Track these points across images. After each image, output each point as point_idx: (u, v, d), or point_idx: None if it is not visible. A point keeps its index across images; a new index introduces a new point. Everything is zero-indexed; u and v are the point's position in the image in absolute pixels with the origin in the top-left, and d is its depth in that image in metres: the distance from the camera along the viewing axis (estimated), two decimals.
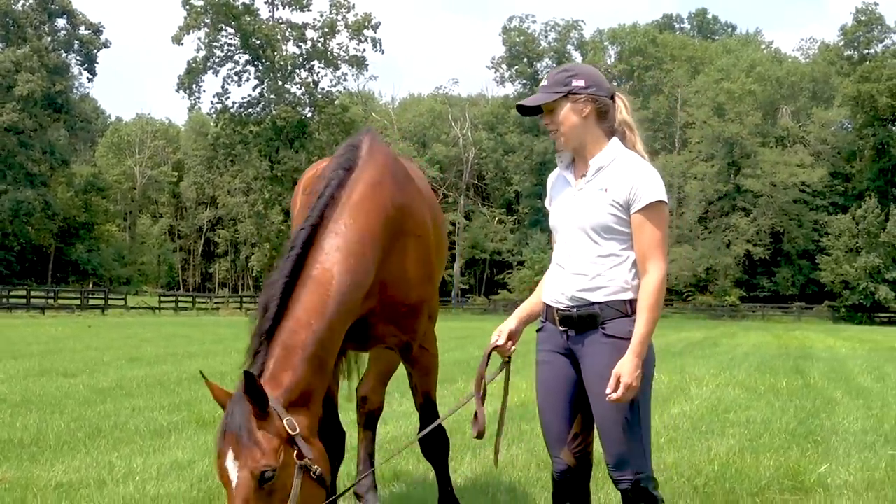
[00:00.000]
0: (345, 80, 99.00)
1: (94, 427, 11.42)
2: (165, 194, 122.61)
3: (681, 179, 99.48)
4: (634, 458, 4.65)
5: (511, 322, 4.98)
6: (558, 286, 4.77)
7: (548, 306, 4.84)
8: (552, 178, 5.05)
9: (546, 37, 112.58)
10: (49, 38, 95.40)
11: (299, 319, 4.86)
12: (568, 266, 4.73)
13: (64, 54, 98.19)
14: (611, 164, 4.68)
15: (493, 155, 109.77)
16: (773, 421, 12.72)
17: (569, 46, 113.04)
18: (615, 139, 4.77)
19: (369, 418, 7.64)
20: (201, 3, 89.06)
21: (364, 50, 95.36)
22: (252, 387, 4.41)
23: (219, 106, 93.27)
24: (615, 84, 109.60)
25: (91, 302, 67.13)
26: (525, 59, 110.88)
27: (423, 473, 8.59)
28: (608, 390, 4.47)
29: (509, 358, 5.03)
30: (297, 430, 4.57)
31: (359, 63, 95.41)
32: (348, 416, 7.86)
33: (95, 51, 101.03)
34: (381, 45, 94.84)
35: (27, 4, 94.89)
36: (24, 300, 62.29)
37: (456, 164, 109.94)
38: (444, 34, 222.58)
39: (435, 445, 6.10)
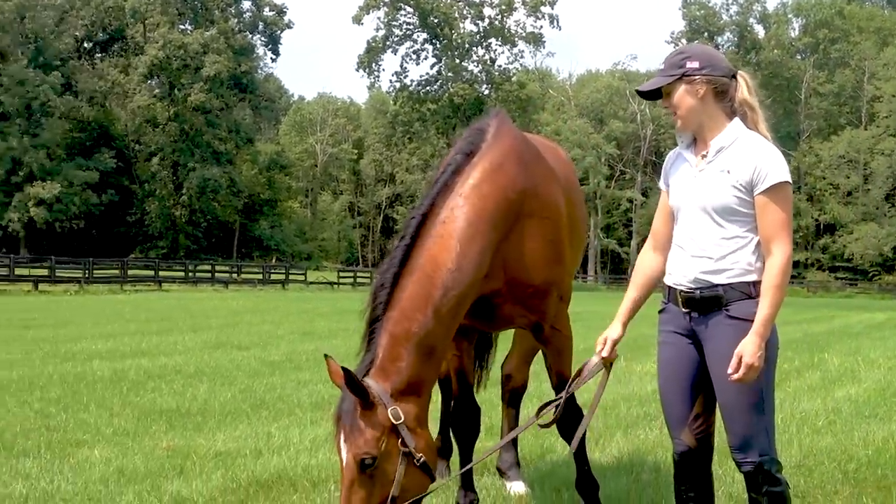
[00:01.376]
0: (522, 57, 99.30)
1: (258, 398, 11.84)
2: (346, 171, 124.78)
3: (867, 155, 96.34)
4: (758, 440, 4.60)
5: (616, 330, 5.01)
6: (681, 268, 4.74)
7: (670, 288, 4.81)
8: (671, 157, 5.01)
9: (727, 10, 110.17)
10: (235, 20, 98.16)
11: (404, 309, 4.97)
12: (690, 248, 4.70)
13: (249, 35, 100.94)
14: (732, 144, 4.63)
15: (672, 131, 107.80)
16: None
17: (751, 20, 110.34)
18: (736, 119, 4.70)
19: (513, 395, 7.73)
20: None
21: (541, 27, 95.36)
22: (352, 383, 4.61)
23: (397, 84, 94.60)
24: (799, 57, 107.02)
25: (272, 277, 68.89)
26: (705, 34, 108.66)
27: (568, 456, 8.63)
28: (730, 370, 4.44)
29: (611, 364, 5.09)
30: (402, 420, 4.73)
31: (536, 40, 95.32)
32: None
33: (279, 31, 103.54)
34: (558, 22, 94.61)
35: None
36: (209, 274, 64.37)
37: (633, 141, 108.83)
38: (623, 9, 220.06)
39: (569, 424, 6.09)
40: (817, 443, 9.35)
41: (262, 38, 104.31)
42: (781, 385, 14.20)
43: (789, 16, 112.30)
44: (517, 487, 7.37)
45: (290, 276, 69.57)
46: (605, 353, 4.97)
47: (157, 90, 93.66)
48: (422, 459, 4.81)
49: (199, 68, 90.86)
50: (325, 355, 5.00)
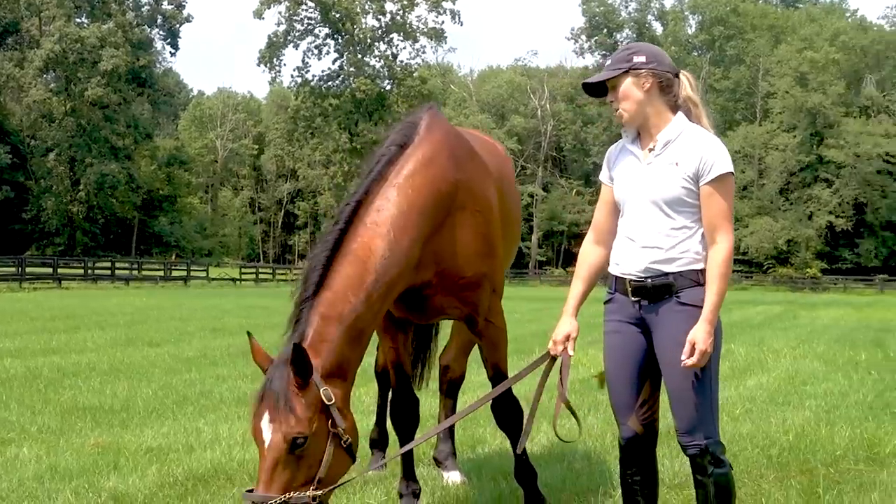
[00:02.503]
0: (423, 52, 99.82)
1: (180, 395, 11.77)
2: (246, 167, 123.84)
3: (762, 150, 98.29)
4: (704, 423, 4.73)
5: (570, 324, 5.07)
6: (630, 258, 4.83)
7: (618, 278, 4.90)
8: (614, 151, 5.12)
9: (626, 7, 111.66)
10: (133, 14, 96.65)
11: (337, 291, 5.00)
12: (640, 239, 4.80)
13: (147, 29, 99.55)
14: (678, 137, 4.77)
15: (572, 126, 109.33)
16: (850, 393, 12.71)
17: (649, 16, 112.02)
18: (680, 114, 4.85)
19: (451, 386, 7.82)
20: None
21: (443, 22, 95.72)
22: (300, 359, 4.59)
23: (299, 79, 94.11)
24: (696, 54, 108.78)
25: (174, 273, 68.13)
26: (605, 30, 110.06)
27: (501, 442, 8.76)
28: (683, 356, 4.58)
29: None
30: (333, 401, 4.74)
31: (437, 35, 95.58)
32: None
33: (178, 25, 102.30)
34: (459, 17, 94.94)
35: None
36: (108, 271, 63.26)
37: (534, 136, 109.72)
38: (523, 5, 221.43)
39: (508, 415, 6.18)
40: (738, 429, 9.61)
41: (161, 32, 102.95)
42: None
43: (686, 13, 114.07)
44: (454, 477, 7.47)
45: (192, 273, 68.86)
46: (571, 352, 5.06)
47: (53, 84, 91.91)
48: (348, 441, 4.83)
49: (96, 62, 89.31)
50: (248, 333, 5.02)
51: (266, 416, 4.64)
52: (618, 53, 4.90)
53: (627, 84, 4.79)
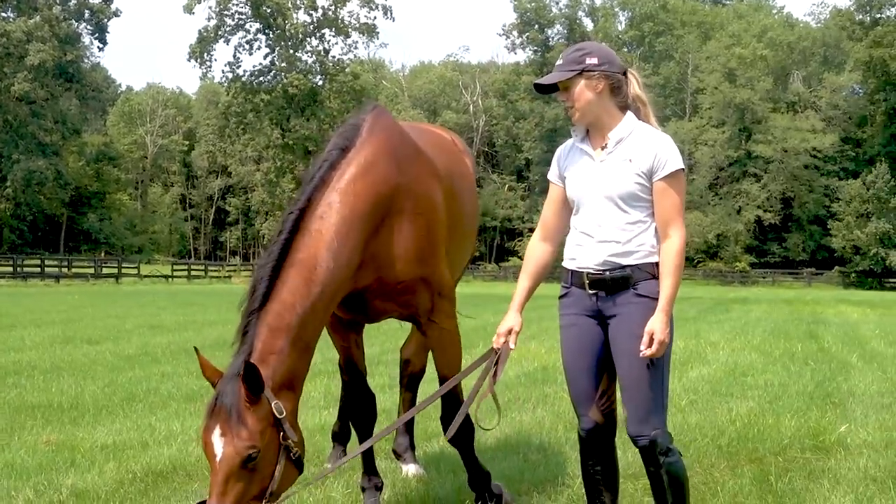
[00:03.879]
0: (355, 47, 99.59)
1: (127, 392, 11.70)
2: (177, 163, 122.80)
3: (692, 146, 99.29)
4: (655, 414, 4.86)
5: (517, 319, 5.16)
6: (587, 253, 4.94)
7: (574, 272, 5.01)
8: (564, 150, 5.23)
9: (557, 3, 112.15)
10: (60, 8, 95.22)
11: (284, 301, 5.01)
12: (597, 233, 4.91)
13: (75, 24, 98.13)
14: (629, 135, 4.91)
15: (504, 122, 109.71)
16: (791, 384, 12.94)
17: (580, 13, 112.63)
18: (629, 113, 5.00)
19: (411, 380, 7.86)
20: None
21: (375, 17, 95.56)
22: (252, 375, 4.58)
23: (230, 75, 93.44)
24: (626, 50, 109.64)
25: (104, 271, 67.46)
26: (536, 26, 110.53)
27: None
28: (642, 347, 4.69)
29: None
30: (284, 414, 4.76)
31: (369, 31, 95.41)
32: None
33: (106, 20, 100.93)
34: (391, 13, 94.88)
35: None
36: (38, 269, 62.53)
37: (466, 132, 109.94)
38: (455, 1, 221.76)
39: (458, 431, 6.00)
40: (687, 420, 9.78)
41: (89, 27, 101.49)
42: None
43: (616, 9, 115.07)
44: (412, 470, 7.52)
45: (123, 270, 68.19)
46: (512, 345, 5.13)
47: None
48: (297, 454, 4.86)
49: (22, 57, 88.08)
50: (195, 348, 5.02)
51: (217, 431, 4.63)
52: (570, 54, 4.99)
53: (580, 86, 4.90)
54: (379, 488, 6.49)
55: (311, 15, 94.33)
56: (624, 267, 4.85)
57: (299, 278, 5.07)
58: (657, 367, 4.81)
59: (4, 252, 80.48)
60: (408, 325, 7.81)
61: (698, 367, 14.99)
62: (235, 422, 4.62)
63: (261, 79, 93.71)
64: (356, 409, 6.34)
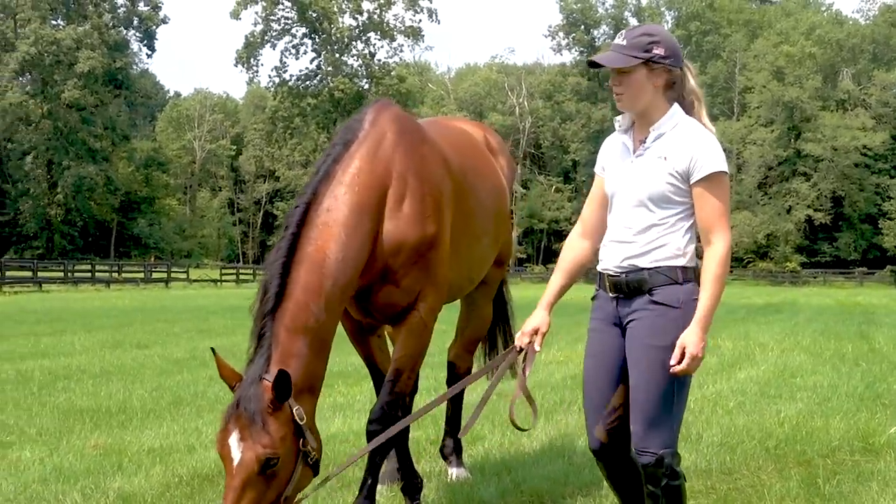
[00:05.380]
0: (401, 51, 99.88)
1: (175, 396, 11.77)
2: (224, 168, 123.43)
3: (740, 145, 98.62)
4: (663, 431, 4.50)
5: (542, 317, 4.85)
6: (611, 253, 4.66)
7: (601, 274, 4.72)
8: (608, 143, 4.90)
9: (603, 3, 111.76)
10: (109, 15, 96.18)
11: (299, 301, 4.94)
12: (619, 234, 4.63)
13: (123, 31, 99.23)
14: (671, 131, 4.56)
15: (550, 124, 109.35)
16: (840, 385, 12.80)
17: (626, 13, 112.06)
18: (676, 106, 4.62)
19: (457, 381, 7.75)
20: None
21: (420, 20, 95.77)
22: (283, 383, 4.54)
23: (276, 79, 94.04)
24: None
25: (154, 275, 67.92)
26: (582, 27, 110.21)
27: (499, 439, 8.83)
28: (672, 361, 4.34)
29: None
30: (305, 420, 4.73)
31: (415, 34, 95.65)
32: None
33: (154, 27, 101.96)
34: (436, 16, 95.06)
35: None
36: (88, 274, 62.99)
37: (512, 134, 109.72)
38: (500, 3, 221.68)
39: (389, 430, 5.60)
40: (734, 422, 9.71)
41: (138, 34, 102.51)
42: None
43: (662, 9, 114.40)
44: (459, 473, 7.51)
45: (172, 275, 68.64)
46: (538, 347, 4.83)
47: (29, 87, 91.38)
48: (315, 458, 4.82)
49: (72, 64, 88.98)
50: (212, 349, 4.95)
51: (236, 435, 4.59)
52: (636, 37, 4.57)
53: (640, 75, 4.54)
54: (419, 488, 6.46)
55: (356, 19, 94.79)
56: (641, 269, 4.53)
57: (311, 275, 5.02)
58: (671, 381, 4.44)
59: (56, 257, 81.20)
60: (453, 327, 7.82)
61: (747, 368, 14.87)
62: (258, 428, 4.57)
63: (307, 83, 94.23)
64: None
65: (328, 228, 5.17)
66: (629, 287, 4.57)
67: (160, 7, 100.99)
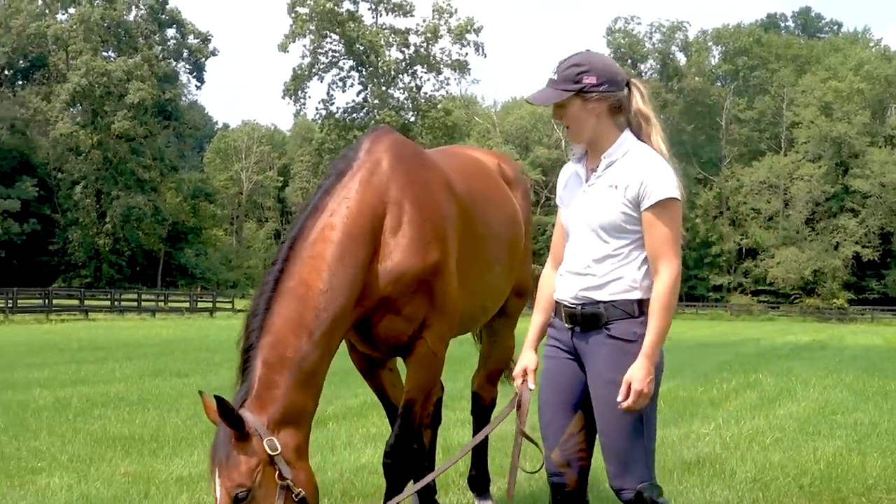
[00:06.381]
0: (447, 84, 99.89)
1: (208, 424, 11.62)
2: (271, 199, 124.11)
3: (787, 181, 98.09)
4: (636, 465, 4.43)
5: (532, 358, 4.78)
6: (567, 284, 4.58)
7: (557, 303, 4.66)
8: (563, 173, 4.84)
9: (651, 38, 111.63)
10: (159, 48, 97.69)
11: (278, 334, 4.89)
12: (576, 264, 4.55)
13: (173, 63, 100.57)
14: (622, 158, 4.48)
15: None
16: (881, 423, 12.63)
17: (673, 48, 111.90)
18: (627, 132, 4.55)
19: (481, 412, 7.63)
20: (306, 10, 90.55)
21: (466, 54, 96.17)
22: (226, 412, 4.49)
23: (323, 111, 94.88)
24: (719, 84, 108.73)
25: (199, 305, 68.27)
26: (629, 61, 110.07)
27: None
28: (619, 398, 4.29)
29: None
30: (278, 451, 4.62)
31: (461, 67, 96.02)
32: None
33: (203, 59, 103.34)
34: (483, 49, 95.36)
35: (139, 15, 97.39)
36: (135, 303, 63.48)
37: (557, 167, 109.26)
38: (547, 36, 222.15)
39: (405, 466, 5.72)
40: (769, 458, 9.58)
41: (187, 66, 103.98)
42: (723, 404, 14.50)
43: (709, 44, 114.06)
44: None
45: (217, 304, 68.98)
46: (532, 385, 4.73)
47: (79, 118, 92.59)
48: (301, 494, 4.69)
49: (122, 95, 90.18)
50: (200, 392, 4.90)
51: (215, 471, 4.61)
52: (565, 69, 4.50)
53: (576, 107, 4.46)
54: None
55: (403, 52, 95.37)
56: (597, 303, 4.44)
57: (291, 308, 4.96)
58: (637, 415, 4.38)
59: (103, 286, 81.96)
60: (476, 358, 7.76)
61: (787, 404, 14.70)
62: (225, 462, 4.57)
63: (354, 115, 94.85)
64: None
65: (313, 261, 5.10)
66: (584, 319, 4.50)
67: (209, 40, 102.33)
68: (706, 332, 47.65)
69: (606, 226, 4.45)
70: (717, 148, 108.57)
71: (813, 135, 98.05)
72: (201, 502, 7.43)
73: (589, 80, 4.43)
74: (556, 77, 4.52)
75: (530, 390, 4.74)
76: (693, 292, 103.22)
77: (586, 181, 4.59)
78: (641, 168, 4.42)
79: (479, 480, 7.57)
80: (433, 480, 6.71)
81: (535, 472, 5.12)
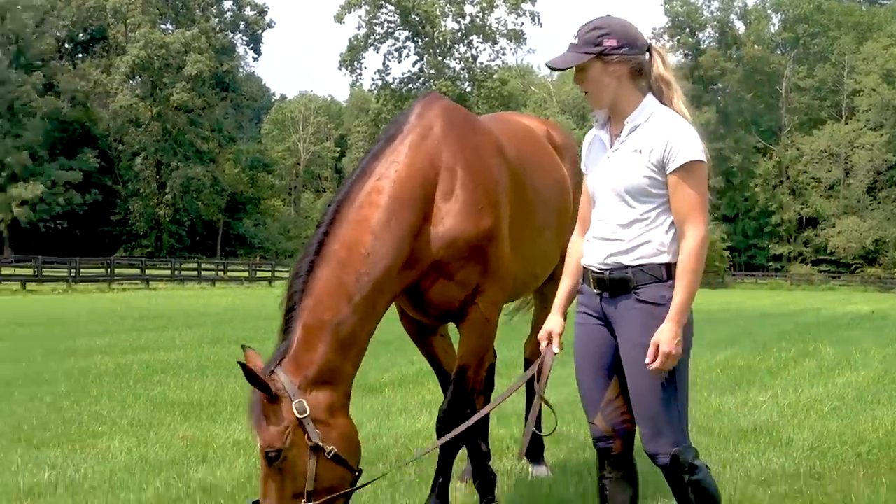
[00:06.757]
0: (503, 54, 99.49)
1: None
2: (328, 169, 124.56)
3: (848, 149, 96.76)
4: (669, 429, 4.40)
5: (558, 322, 4.78)
6: (595, 250, 4.57)
7: (584, 269, 4.66)
8: (588, 139, 4.80)
9: (709, 6, 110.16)
10: (216, 20, 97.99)
11: (318, 298, 4.92)
12: (603, 230, 4.54)
13: (230, 35, 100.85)
14: (645, 122, 4.45)
15: None
16: None
17: (732, 16, 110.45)
18: (650, 96, 4.52)
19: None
20: None
21: (522, 24, 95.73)
22: (250, 376, 4.61)
23: (380, 82, 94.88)
24: (779, 52, 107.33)
25: (258, 274, 68.75)
26: (687, 30, 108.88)
27: (584, 439, 8.75)
28: (647, 360, 4.28)
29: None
30: (307, 413, 4.68)
31: (517, 37, 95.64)
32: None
33: (260, 31, 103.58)
34: (539, 19, 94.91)
35: None
36: (195, 272, 64.10)
37: None
38: (604, 4, 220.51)
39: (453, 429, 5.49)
40: (826, 426, 9.52)
41: (244, 38, 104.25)
42: (781, 373, 14.41)
43: (769, 11, 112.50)
44: (539, 471, 7.46)
45: (276, 274, 69.42)
46: (556, 349, 4.72)
47: (139, 90, 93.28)
48: (333, 452, 4.74)
49: (181, 67, 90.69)
50: (243, 346, 4.98)
51: (253, 432, 4.77)
52: (586, 33, 4.47)
53: (596, 70, 4.43)
54: (493, 484, 6.36)
55: (458, 22, 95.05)
56: (625, 267, 4.44)
57: (332, 271, 4.98)
58: (669, 378, 4.37)
59: (164, 256, 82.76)
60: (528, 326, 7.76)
61: (846, 373, 14.58)
62: (257, 423, 4.72)
63: (410, 86, 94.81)
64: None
65: (357, 225, 5.11)
66: (613, 284, 4.49)
67: (266, 11, 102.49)
68: (766, 302, 47.31)
69: (632, 190, 4.43)
70: (776, 116, 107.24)
71: (874, 103, 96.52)
72: (258, 466, 7.48)
73: (609, 42, 4.40)
74: (576, 41, 4.48)
75: (554, 354, 4.74)
76: (752, 262, 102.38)
77: (610, 146, 4.57)
78: (666, 131, 4.39)
79: (532, 447, 7.59)
80: (487, 446, 6.75)
81: (549, 434, 5.11)
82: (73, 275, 51.66)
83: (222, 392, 11.60)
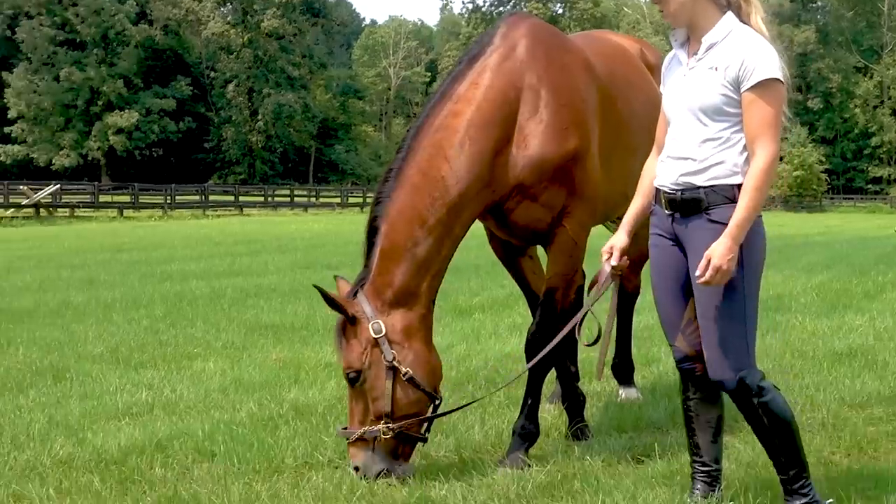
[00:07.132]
0: None
1: None
2: (419, 95, 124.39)
3: None
4: (733, 354, 4.36)
5: (622, 238, 4.76)
6: (667, 170, 4.54)
7: (657, 189, 4.62)
8: (668, 59, 4.75)
9: None
10: None
11: (394, 223, 5.02)
12: (676, 149, 4.50)
13: None
14: (722, 40, 4.38)
15: None
16: None
17: None
18: (729, 14, 4.43)
19: (626, 300, 7.45)
20: None
21: None
22: (328, 299, 4.84)
23: (470, 6, 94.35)
24: None
25: (350, 200, 69.22)
26: None
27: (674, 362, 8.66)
28: (697, 272, 4.26)
29: (621, 273, 4.86)
30: (382, 333, 4.80)
31: None
32: None
33: None
34: None
35: None
36: (288, 199, 64.93)
37: None
38: None
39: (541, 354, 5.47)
40: None
41: None
42: (878, 297, 14.14)
43: None
44: (629, 393, 7.43)
45: (368, 200, 69.69)
46: (614, 262, 4.75)
47: (230, 17, 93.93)
48: (409, 375, 4.83)
49: None
50: (335, 276, 5.30)
51: (338, 354, 4.98)
52: None
53: None
54: (582, 406, 6.37)
55: None
56: (698, 188, 4.39)
57: (407, 196, 5.08)
58: (736, 299, 4.33)
59: (257, 183, 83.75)
60: None
61: None
62: (339, 346, 5.00)
63: (500, 9, 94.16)
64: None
65: (434, 149, 5.14)
66: (684, 204, 4.46)
67: None
68: (864, 225, 46.46)
69: (706, 108, 4.38)
70: (878, 35, 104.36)
71: None
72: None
73: None
74: None
75: (612, 267, 4.76)
76: (851, 185, 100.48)
77: (687, 65, 4.51)
78: (742, 48, 4.32)
79: (622, 369, 7.56)
80: (576, 367, 6.73)
81: (591, 344, 5.10)
82: (168, 202, 52.59)
83: (314, 316, 11.69)
